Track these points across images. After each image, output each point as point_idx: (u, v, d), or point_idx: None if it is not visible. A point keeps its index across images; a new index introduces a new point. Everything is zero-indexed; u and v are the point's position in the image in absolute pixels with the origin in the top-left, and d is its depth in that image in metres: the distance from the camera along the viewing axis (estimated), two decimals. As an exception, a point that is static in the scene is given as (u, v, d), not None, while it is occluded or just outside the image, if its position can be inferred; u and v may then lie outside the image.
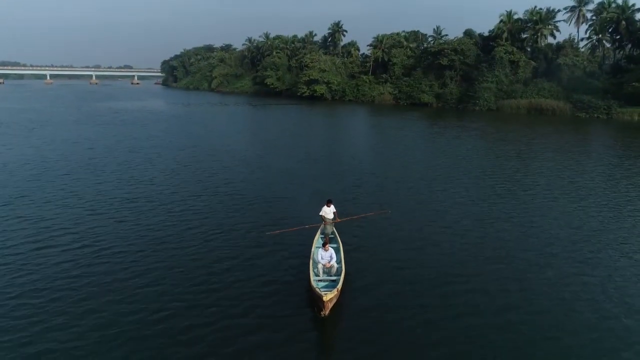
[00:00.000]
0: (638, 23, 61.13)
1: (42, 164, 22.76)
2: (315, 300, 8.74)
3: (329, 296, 8.35)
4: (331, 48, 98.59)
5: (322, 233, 11.99)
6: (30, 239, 12.48)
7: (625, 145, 33.73)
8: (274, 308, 9.02)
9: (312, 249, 10.96)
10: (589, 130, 44.12)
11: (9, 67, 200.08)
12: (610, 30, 64.30)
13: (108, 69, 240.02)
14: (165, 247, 12.11)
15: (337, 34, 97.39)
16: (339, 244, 11.35)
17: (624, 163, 25.89)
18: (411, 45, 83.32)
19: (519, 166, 24.76)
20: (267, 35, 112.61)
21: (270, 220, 14.50)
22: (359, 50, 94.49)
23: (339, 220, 12.26)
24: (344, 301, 9.10)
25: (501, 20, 68.39)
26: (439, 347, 7.95)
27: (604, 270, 11.12)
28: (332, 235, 11.82)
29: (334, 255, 10.03)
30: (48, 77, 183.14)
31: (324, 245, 10.19)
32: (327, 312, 8.41)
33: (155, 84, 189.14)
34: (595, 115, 53.38)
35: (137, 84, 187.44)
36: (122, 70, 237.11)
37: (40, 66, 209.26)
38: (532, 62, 64.76)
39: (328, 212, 12.06)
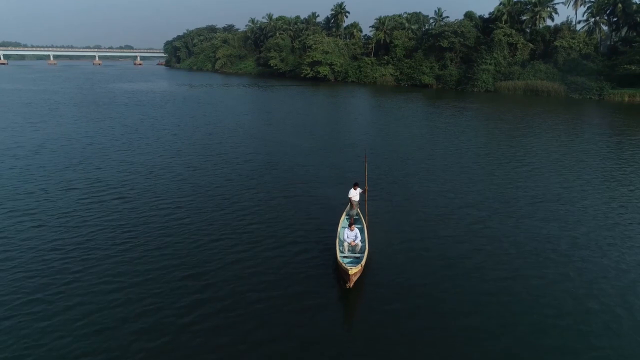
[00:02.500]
0: (634, 5, 62.63)
1: (85, 138, 25.73)
2: (341, 273, 9.80)
3: (354, 270, 9.41)
4: (334, 29, 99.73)
5: (347, 214, 12.96)
6: (111, 195, 15.74)
7: (607, 125, 36.47)
8: (303, 279, 10.13)
9: (338, 229, 11.92)
10: (578, 110, 46.54)
11: (12, 48, 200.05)
12: (607, 12, 65.93)
13: (110, 50, 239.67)
14: (210, 204, 15.21)
15: (339, 15, 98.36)
16: (363, 224, 12.23)
17: (602, 140, 28.71)
18: (413, 27, 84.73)
19: (508, 142, 27.61)
20: (270, 17, 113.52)
21: (297, 181, 17.63)
22: (361, 31, 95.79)
23: (366, 198, 13.16)
24: (366, 276, 10.25)
25: (501, 3, 69.80)
26: (452, 314, 8.92)
27: (556, 214, 14.27)
28: (356, 217, 12.76)
29: (358, 235, 10.99)
30: (51, 58, 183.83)
31: (349, 225, 11.12)
32: (351, 285, 9.49)
33: (158, 64, 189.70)
34: (588, 96, 55.75)
35: (140, 64, 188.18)
36: (125, 50, 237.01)
37: (42, 47, 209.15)
38: (530, 45, 66.60)
39: (354, 194, 12.86)
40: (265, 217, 13.93)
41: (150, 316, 8.65)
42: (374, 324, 8.62)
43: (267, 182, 17.77)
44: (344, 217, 12.80)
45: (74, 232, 12.30)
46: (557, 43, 63.20)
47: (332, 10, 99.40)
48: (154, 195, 15.76)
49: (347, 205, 13.28)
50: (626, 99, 53.34)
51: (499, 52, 64.84)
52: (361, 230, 11.68)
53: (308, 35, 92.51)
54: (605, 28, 67.82)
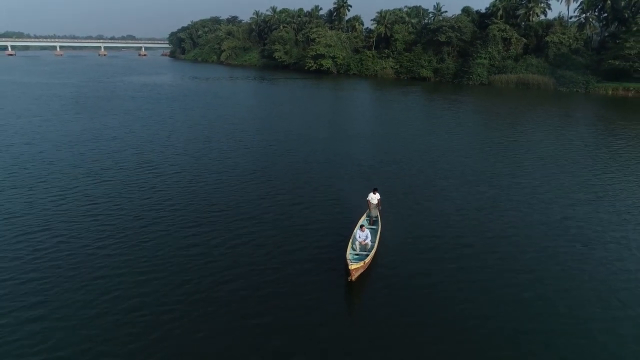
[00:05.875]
0: (622, 2, 66.01)
1: (122, 128, 29.81)
2: (346, 268, 11.09)
3: (355, 266, 10.69)
4: (336, 22, 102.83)
5: (367, 216, 14.15)
6: (168, 169, 20.00)
7: (588, 116, 40.51)
8: (316, 272, 11.58)
9: (355, 229, 12.87)
10: (564, 103, 50.39)
11: (18, 39, 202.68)
12: (598, 8, 69.31)
13: (115, 41, 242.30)
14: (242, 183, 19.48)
15: (342, 9, 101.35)
16: (379, 226, 13.24)
17: (576, 129, 32.82)
18: (412, 21, 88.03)
19: (496, 130, 31.74)
20: (274, 9, 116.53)
21: (317, 162, 21.87)
22: (362, 24, 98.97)
23: (380, 207, 14.25)
24: (371, 273, 11.55)
25: (496, -2, 73.12)
26: (442, 311, 10.12)
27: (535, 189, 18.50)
28: (375, 218, 13.95)
29: (369, 235, 12.26)
30: (58, 49, 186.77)
31: (361, 227, 12.42)
32: (353, 278, 10.67)
33: (162, 55, 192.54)
34: (575, 89, 59.59)
35: (145, 55, 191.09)
36: (130, 41, 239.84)
37: (47, 37, 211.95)
38: (524, 39, 70.11)
39: (373, 198, 14.12)
40: (292, 186, 18.21)
41: (217, 246, 13.04)
42: (370, 313, 10.07)
43: (291, 163, 21.99)
44: (364, 217, 14.08)
45: (153, 194, 16.83)
46: (548, 38, 66.72)
47: (334, 3, 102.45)
48: (202, 169, 20.51)
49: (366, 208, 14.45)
50: (610, 92, 57.19)
51: (493, 46, 68.37)
52: (373, 232, 12.88)
53: (311, 28, 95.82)
54: (595, 23, 71.15)
